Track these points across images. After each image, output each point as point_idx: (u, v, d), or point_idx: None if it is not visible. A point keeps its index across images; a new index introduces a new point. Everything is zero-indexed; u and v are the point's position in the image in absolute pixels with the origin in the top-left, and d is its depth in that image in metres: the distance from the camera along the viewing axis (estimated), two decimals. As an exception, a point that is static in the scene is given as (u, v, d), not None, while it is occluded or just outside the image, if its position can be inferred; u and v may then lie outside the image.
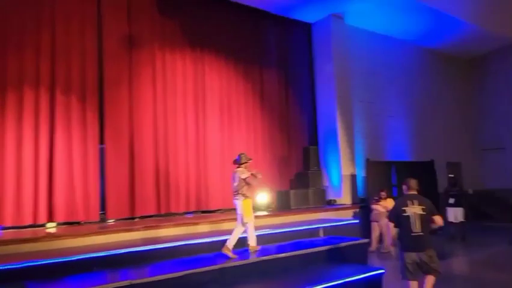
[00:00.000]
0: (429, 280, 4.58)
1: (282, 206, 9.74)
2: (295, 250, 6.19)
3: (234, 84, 10.15)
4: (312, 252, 6.27)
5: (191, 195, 9.09)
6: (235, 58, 10.19)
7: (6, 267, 4.71)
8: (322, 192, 10.25)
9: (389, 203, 8.83)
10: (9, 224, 6.98)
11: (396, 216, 4.77)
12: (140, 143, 8.49)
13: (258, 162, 10.19)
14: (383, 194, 8.97)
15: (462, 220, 9.57)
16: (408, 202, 4.71)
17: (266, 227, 7.63)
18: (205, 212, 9.17)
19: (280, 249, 6.31)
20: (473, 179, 14.65)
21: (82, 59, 7.99)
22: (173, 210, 8.76)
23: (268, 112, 10.68)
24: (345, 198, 10.57)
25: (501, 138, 15.02)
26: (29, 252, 5.54)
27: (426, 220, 4.63)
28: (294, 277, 5.50)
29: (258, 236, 6.59)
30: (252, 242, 6.12)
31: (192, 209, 9.06)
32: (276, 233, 7.21)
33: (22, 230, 6.94)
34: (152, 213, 8.47)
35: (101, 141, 8.13)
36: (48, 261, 4.98)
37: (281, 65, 11.09)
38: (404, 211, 4.66)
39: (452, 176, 10.66)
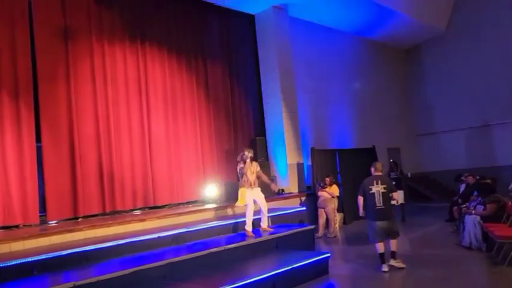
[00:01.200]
0: (393, 241, 5.94)
1: (231, 197, 9.77)
2: (243, 240, 6.27)
3: (178, 76, 9.99)
4: (260, 242, 6.38)
5: (138, 191, 8.90)
6: (178, 50, 10.03)
7: None
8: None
9: (334, 189, 9.18)
10: None
11: (364, 192, 6.02)
12: (81, 139, 8.16)
13: (204, 154, 10.18)
14: (328, 180, 9.27)
15: (402, 202, 10.12)
16: (374, 182, 5.97)
17: (215, 219, 7.66)
18: (153, 208, 9.02)
19: (229, 241, 6.36)
20: (411, 163, 15.55)
21: (12, 52, 7.51)
22: (119, 208, 8.53)
23: (214, 104, 10.64)
24: (293, 186, 10.82)
25: (434, 124, 16.05)
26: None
27: (387, 196, 5.90)
28: (243, 267, 5.58)
29: (205, 229, 6.83)
30: (261, 223, 6.99)
31: (139, 205, 8.88)
32: (224, 224, 7.25)
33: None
34: (96, 212, 8.20)
35: (38, 139, 7.71)
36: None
37: (226, 56, 11.07)
38: (371, 189, 5.94)
39: (392, 160, 11.22)
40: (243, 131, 11.24)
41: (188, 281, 5.05)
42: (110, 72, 8.77)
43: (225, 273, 5.31)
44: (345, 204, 10.18)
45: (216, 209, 8.45)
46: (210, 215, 8.15)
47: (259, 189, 6.94)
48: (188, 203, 9.57)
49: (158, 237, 6.24)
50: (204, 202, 9.52)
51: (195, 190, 9.80)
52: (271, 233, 6.69)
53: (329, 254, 6.03)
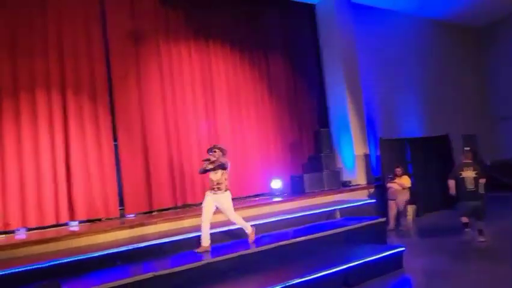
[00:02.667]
0: (480, 223, 6.83)
1: (296, 190, 9.78)
2: (312, 233, 6.23)
3: (241, 72, 10.13)
4: (329, 235, 6.30)
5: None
6: (241, 46, 10.16)
7: (33, 266, 4.86)
8: (336, 174, 10.24)
9: (405, 180, 8.81)
10: (33, 225, 7.16)
11: (455, 177, 7.09)
12: (153, 137, 8.57)
13: (269, 148, 10.26)
14: (398, 171, 8.92)
15: (482, 192, 9.43)
16: (465, 168, 7.07)
17: (282, 212, 7.70)
18: (221, 201, 9.24)
19: (298, 233, 6.36)
20: (489, 150, 14.46)
21: (89, 57, 8.05)
22: (190, 201, 8.86)
23: (277, 98, 10.66)
24: (360, 178, 10.56)
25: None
26: (53, 251, 5.69)
27: (476, 180, 6.96)
28: (312, 260, 5.55)
29: (272, 222, 6.89)
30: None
31: (208, 198, 9.14)
32: (292, 217, 7.25)
33: (46, 230, 7.11)
34: (169, 206, 8.59)
35: (115, 138, 8.24)
36: (73, 259, 5.12)
37: (286, 49, 11.01)
38: (461, 174, 7.05)
39: (468, 148, 10.51)
40: (306, 123, 11.14)
41: (258, 273, 5.14)
42: (176, 70, 9.10)
43: (294, 266, 5.33)
44: (418, 196, 9.73)
45: (282, 201, 8.49)
46: (276, 208, 8.19)
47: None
48: (254, 196, 9.71)
49: (228, 230, 6.39)
50: (270, 195, 9.60)
51: (260, 183, 9.91)
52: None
53: (403, 248, 5.82)
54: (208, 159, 5.77)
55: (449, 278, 5.21)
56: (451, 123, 13.01)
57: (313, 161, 10.55)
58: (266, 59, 10.62)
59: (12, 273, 4.74)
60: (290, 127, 10.79)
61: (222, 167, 5.71)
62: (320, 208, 7.77)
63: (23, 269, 4.80)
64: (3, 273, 4.70)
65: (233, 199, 9.21)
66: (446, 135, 11.39)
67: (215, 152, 5.76)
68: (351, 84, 10.92)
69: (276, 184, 9.70)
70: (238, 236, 6.27)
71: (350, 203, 8.27)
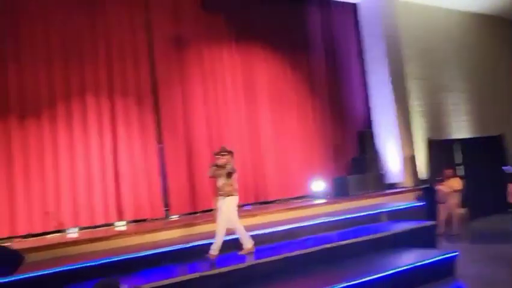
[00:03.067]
0: None
1: (339, 192, 9.60)
2: (358, 236, 6.08)
3: (282, 74, 10.10)
4: (376, 238, 6.13)
5: (249, 187, 9.21)
6: (281, 47, 10.12)
7: (85, 264, 5.05)
8: (381, 176, 9.97)
9: (455, 183, 8.45)
10: (84, 225, 7.46)
11: None
12: (196, 139, 8.71)
13: (311, 149, 10.16)
14: (448, 172, 8.54)
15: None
16: None
17: (325, 214, 7.58)
18: (263, 203, 9.25)
19: (343, 236, 6.23)
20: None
21: (135, 63, 8.31)
22: (232, 203, 8.91)
23: (319, 99, 10.52)
24: (406, 180, 10.20)
25: None
26: (104, 250, 5.89)
27: None
28: (359, 264, 5.41)
29: (316, 224, 6.71)
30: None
31: (251, 200, 9.17)
32: (336, 220, 7.12)
33: (95, 229, 7.38)
34: (213, 207, 8.65)
35: (159, 140, 8.44)
36: (121, 258, 5.28)
37: (328, 49, 10.85)
38: None
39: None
40: (349, 124, 10.92)
41: (303, 276, 5.07)
42: (218, 74, 9.21)
43: (340, 270, 5.21)
44: (470, 199, 9.27)
45: (325, 204, 8.37)
46: (319, 210, 8.08)
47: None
48: (297, 198, 9.63)
49: (272, 231, 6.35)
50: (313, 197, 9.49)
51: (303, 185, 9.81)
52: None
53: (456, 253, 5.55)
54: (216, 164, 5.49)
55: None
56: (505, 123, 12.32)
57: (357, 162, 10.33)
58: (307, 59, 10.53)
59: (66, 270, 4.94)
60: (332, 128, 10.63)
61: (228, 175, 5.41)
62: (364, 211, 7.58)
63: (75, 266, 4.99)
64: (58, 270, 4.90)
65: (274, 201, 9.35)
66: (500, 136, 10.80)
67: (223, 155, 5.50)
68: (396, 83, 10.60)
69: (318, 186, 9.57)
70: (282, 237, 6.23)
71: (397, 205, 8.01)
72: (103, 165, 7.78)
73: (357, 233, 6.35)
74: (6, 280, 4.65)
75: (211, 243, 5.45)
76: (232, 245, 5.86)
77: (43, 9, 7.63)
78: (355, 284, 4.63)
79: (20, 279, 4.72)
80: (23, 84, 7.31)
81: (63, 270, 4.92)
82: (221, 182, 5.43)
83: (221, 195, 5.43)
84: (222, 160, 5.47)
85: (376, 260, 5.52)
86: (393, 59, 10.66)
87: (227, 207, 5.41)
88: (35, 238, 6.96)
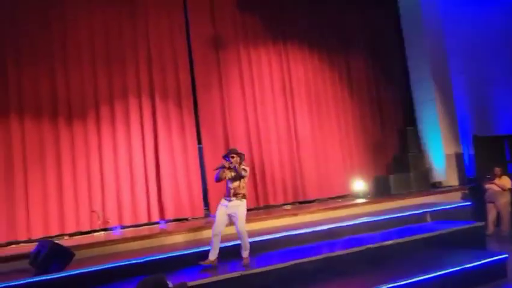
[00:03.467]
0: None
1: (381, 192, 9.38)
2: (402, 237, 5.92)
3: (320, 72, 9.99)
4: (420, 239, 5.94)
5: (287, 187, 9.19)
6: (319, 46, 10.01)
7: (129, 262, 5.19)
8: (425, 175, 9.66)
9: (505, 181, 8.05)
10: (128, 224, 7.69)
11: None
12: (234, 139, 8.76)
13: (350, 148, 9.99)
14: (498, 170, 8.14)
15: None
16: None
17: (366, 214, 7.42)
18: (302, 203, 9.19)
19: (385, 237, 6.08)
20: None
21: (174, 65, 8.47)
22: (271, 203, 8.92)
23: (358, 97, 10.34)
24: (452, 179, 9.83)
25: None
26: (146, 248, 6.05)
27: None
28: (403, 265, 5.26)
29: (357, 224, 6.57)
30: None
31: (290, 200, 9.14)
32: (378, 220, 6.96)
33: (139, 228, 7.59)
34: (252, 207, 8.71)
35: (199, 141, 8.57)
36: (166, 256, 5.40)
37: (367, 46, 10.63)
38: None
39: None
40: (390, 121, 10.65)
41: (345, 276, 4.99)
42: (256, 74, 9.23)
43: (384, 270, 5.09)
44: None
45: (366, 203, 8.21)
46: (360, 209, 7.93)
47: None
48: (337, 197, 9.49)
49: (313, 231, 6.29)
50: (353, 197, 9.33)
51: (343, 185, 9.67)
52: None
53: (506, 256, 5.28)
54: (224, 166, 5.27)
55: None
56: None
57: (399, 161, 10.05)
58: (346, 58, 10.36)
59: (112, 267, 5.10)
60: (372, 126, 10.41)
61: (241, 175, 5.17)
62: (408, 211, 7.37)
63: (121, 263, 5.15)
64: (105, 267, 5.07)
65: (313, 200, 9.26)
66: (553, 131, 10.19)
67: (232, 157, 5.26)
68: (439, 78, 10.23)
69: (359, 185, 9.40)
70: (323, 237, 6.16)
71: (442, 205, 7.73)
72: (145, 165, 7.97)
73: (400, 234, 6.18)
74: (57, 276, 4.87)
75: (252, 242, 5.45)
76: (275, 244, 5.87)
77: (88, 14, 7.92)
78: (400, 285, 4.51)
79: (69, 275, 4.92)
80: (69, 87, 7.61)
81: (109, 267, 5.09)
82: (235, 184, 5.18)
83: (236, 196, 5.16)
84: (231, 162, 5.23)
85: (421, 262, 5.34)
86: (436, 53, 10.30)
87: (243, 211, 5.18)
88: (82, 236, 7.24)
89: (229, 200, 5.16)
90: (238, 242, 5.29)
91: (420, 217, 7.26)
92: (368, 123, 10.33)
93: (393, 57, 10.89)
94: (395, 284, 4.46)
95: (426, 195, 8.79)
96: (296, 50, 9.76)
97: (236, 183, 5.19)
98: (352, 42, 10.45)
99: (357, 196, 9.24)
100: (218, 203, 8.17)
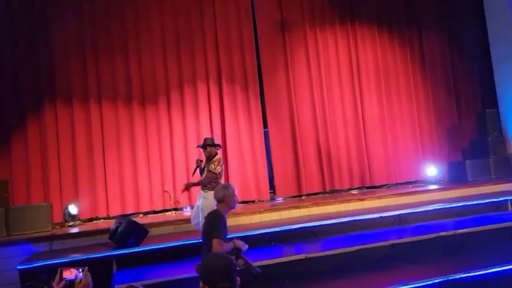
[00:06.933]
0: None
1: (456, 178, 8.85)
2: (478, 226, 5.57)
3: (390, 53, 9.55)
4: (499, 228, 5.55)
5: (354, 171, 9.00)
6: (389, 26, 9.57)
7: (198, 240, 5.39)
8: (507, 161, 8.93)
9: None
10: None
11: None
12: (301, 123, 8.73)
13: (422, 132, 9.52)
14: None
15: None
16: None
17: (439, 201, 7.06)
18: (369, 188, 8.96)
19: (460, 225, 5.77)
20: None
21: (241, 49, 8.55)
22: (337, 187, 8.80)
23: (432, 78, 9.76)
24: (538, 166, 9.01)
25: None
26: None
27: None
28: (478, 255, 4.94)
29: (429, 211, 6.30)
30: None
31: (356, 185, 8.96)
32: (452, 207, 6.59)
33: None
34: (317, 191, 8.67)
35: (265, 125, 8.64)
36: (232, 236, 5.50)
37: (443, 24, 9.96)
38: None
39: None
40: (467, 104, 9.96)
41: (415, 264, 4.81)
42: (323, 57, 9.05)
43: (456, 260, 4.83)
44: None
45: (439, 190, 7.81)
46: (432, 196, 7.55)
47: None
48: (407, 183, 9.13)
49: (380, 217, 6.13)
50: (425, 183, 8.91)
51: (413, 170, 9.26)
52: None
53: None
54: (201, 160, 5.13)
55: None
56: None
57: (477, 145, 9.40)
58: (419, 38, 9.80)
59: (182, 245, 5.34)
60: (447, 109, 9.81)
61: (209, 179, 4.93)
62: (486, 198, 6.89)
63: (191, 241, 5.35)
64: (176, 244, 5.34)
65: (383, 185, 8.98)
66: None
67: (206, 149, 5.09)
68: (525, 55, 9.33)
69: (431, 171, 8.94)
70: (394, 223, 5.98)
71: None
72: (213, 148, 8.21)
73: (477, 222, 5.82)
74: (134, 250, 5.22)
75: (316, 226, 5.45)
76: (339, 229, 5.81)
77: (158, 3, 8.22)
78: (474, 276, 4.25)
79: (144, 250, 5.25)
80: (142, 73, 8.00)
81: (179, 245, 5.35)
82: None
83: (207, 187, 4.94)
84: (205, 153, 5.11)
85: (500, 252, 4.98)
86: (522, 28, 9.37)
87: (207, 204, 4.83)
88: (155, 215, 7.68)
89: (204, 191, 5.01)
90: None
91: (500, 206, 6.74)
92: (442, 105, 9.75)
93: (472, 32, 10.07)
94: (467, 275, 4.21)
95: (508, 183, 8.13)
96: (365, 29, 9.40)
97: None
98: (425, 17, 9.83)
99: (429, 182, 8.81)
100: (283, 186, 8.48)
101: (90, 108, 7.67)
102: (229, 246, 3.51)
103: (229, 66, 8.46)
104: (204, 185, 4.92)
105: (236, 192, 3.75)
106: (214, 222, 3.59)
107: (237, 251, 3.52)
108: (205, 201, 4.88)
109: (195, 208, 5.21)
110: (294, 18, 8.95)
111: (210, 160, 4.98)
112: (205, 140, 5.18)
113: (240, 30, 8.60)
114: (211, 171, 4.87)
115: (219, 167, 4.91)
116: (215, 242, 3.43)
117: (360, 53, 9.31)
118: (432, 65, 9.79)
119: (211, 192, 4.47)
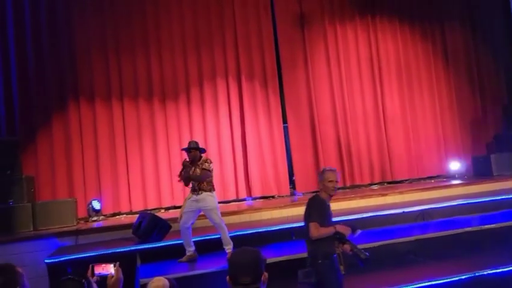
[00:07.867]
0: None
1: (480, 172, 8.66)
2: (505, 221, 5.45)
3: (411, 47, 9.43)
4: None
5: (375, 166, 8.92)
6: (411, 19, 9.43)
7: (219, 235, 5.43)
8: (534, 155, 8.70)
9: None
10: (217, 200, 8.02)
11: None
12: (320, 118, 8.69)
13: (445, 126, 9.35)
14: None
15: None
16: None
17: (463, 196, 6.92)
18: (390, 183, 8.86)
19: (485, 221, 5.67)
20: None
21: (260, 46, 8.55)
22: (358, 182, 8.75)
23: (454, 71, 9.58)
24: None
25: None
26: (235, 223, 6.30)
27: None
28: (505, 251, 4.84)
29: (453, 206, 6.22)
30: None
31: (377, 180, 8.87)
32: (477, 202, 6.47)
33: (228, 204, 7.90)
34: (339, 186, 8.59)
35: (284, 120, 8.62)
36: (254, 231, 5.59)
37: (467, 16, 9.77)
38: None
39: None
40: (492, 97, 9.74)
41: (440, 260, 4.75)
42: (342, 52, 8.98)
43: (483, 256, 4.75)
44: None
45: (463, 184, 7.67)
46: (456, 191, 7.41)
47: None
48: (429, 178, 8.99)
49: (403, 212, 6.06)
50: (448, 177, 8.76)
51: (435, 165, 9.14)
52: None
53: None
54: (187, 161, 5.04)
55: None
56: None
57: (502, 139, 9.17)
58: (442, 30, 9.63)
59: (203, 240, 5.40)
60: (471, 103, 9.62)
61: (206, 175, 4.92)
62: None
63: (211, 237, 5.40)
64: (196, 239, 5.35)
65: (405, 180, 8.86)
66: None
67: (190, 152, 5.00)
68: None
69: (455, 166, 8.78)
70: (416, 218, 5.90)
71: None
72: (233, 144, 8.24)
73: (503, 218, 5.69)
74: (157, 245, 5.30)
75: (339, 222, 5.38)
76: (360, 224, 5.74)
77: (178, 0, 8.27)
78: (502, 272, 4.17)
79: (167, 245, 5.32)
80: (162, 70, 8.07)
81: (202, 240, 5.39)
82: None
83: (201, 189, 4.94)
84: (190, 156, 5.00)
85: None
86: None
87: (214, 202, 5.02)
88: (176, 210, 7.75)
89: (197, 194, 4.94)
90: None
91: (527, 201, 6.58)
92: (465, 98, 9.57)
93: (496, 23, 9.84)
94: (495, 271, 4.14)
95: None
96: (385, 22, 9.30)
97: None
98: (447, 9, 9.65)
99: (452, 177, 8.66)
100: (303, 181, 8.45)
101: (112, 105, 7.78)
102: (327, 231, 3.42)
103: (249, 63, 8.46)
104: (202, 180, 4.93)
105: (334, 177, 3.62)
106: (311, 207, 3.56)
107: (340, 236, 3.41)
108: (208, 198, 4.95)
109: (187, 211, 5.01)
110: (313, 13, 8.89)
111: (195, 162, 4.96)
112: (190, 143, 5.12)
113: (259, 27, 8.59)
114: (205, 169, 4.91)
115: (212, 165, 5.02)
116: (311, 225, 3.41)
117: (380, 47, 9.19)
118: (455, 57, 9.60)
119: (208, 193, 4.89)
